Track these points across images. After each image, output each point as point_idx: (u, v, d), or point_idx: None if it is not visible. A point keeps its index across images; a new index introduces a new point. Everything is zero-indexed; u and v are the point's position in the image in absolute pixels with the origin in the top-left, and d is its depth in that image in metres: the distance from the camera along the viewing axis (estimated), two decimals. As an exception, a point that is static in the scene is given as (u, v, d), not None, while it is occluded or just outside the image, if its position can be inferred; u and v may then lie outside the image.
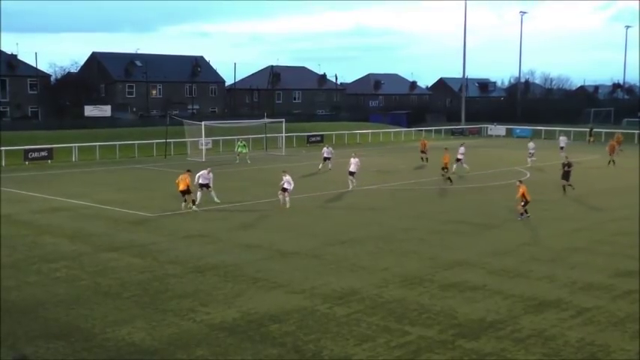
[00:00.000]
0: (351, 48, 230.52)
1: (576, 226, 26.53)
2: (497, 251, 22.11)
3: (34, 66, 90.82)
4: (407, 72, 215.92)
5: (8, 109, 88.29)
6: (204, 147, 54.26)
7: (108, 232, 25.04)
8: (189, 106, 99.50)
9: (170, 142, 56.44)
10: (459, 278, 18.77)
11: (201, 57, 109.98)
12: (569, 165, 34.70)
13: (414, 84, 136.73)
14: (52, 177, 41.04)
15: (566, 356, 13.30)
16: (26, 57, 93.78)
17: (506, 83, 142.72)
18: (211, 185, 31.04)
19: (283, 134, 61.25)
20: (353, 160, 36.03)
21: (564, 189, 34.06)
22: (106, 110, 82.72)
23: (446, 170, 38.62)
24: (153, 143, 57.21)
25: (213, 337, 14.26)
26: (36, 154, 50.41)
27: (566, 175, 34.40)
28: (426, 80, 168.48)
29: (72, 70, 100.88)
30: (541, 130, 78.57)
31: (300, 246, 22.64)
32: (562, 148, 53.53)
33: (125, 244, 22.89)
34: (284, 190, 30.38)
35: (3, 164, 47.48)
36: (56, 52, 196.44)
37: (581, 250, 22.28)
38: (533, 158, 47.80)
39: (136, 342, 13.94)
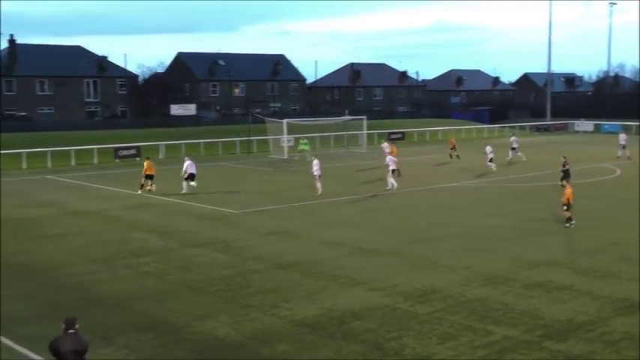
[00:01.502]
0: (432, 44, 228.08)
1: (670, 225, 25.40)
2: (584, 250, 21.47)
3: (124, 67, 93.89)
4: (489, 68, 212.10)
5: (99, 109, 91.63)
6: (285, 144, 54.84)
7: (193, 228, 25.65)
8: (271, 104, 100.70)
9: (252, 139, 57.32)
10: (544, 278, 18.32)
11: (282, 55, 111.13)
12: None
13: (496, 80, 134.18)
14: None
15: (659, 360, 12.80)
16: (116, 59, 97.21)
17: (594, 77, 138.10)
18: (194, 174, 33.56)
19: (364, 131, 61.20)
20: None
21: None
22: (190, 109, 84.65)
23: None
24: (235, 141, 58.24)
25: (295, 333, 14.40)
26: (125, 152, 52.14)
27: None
28: (509, 76, 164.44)
29: (158, 71, 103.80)
30: (632, 125, 75.65)
31: (380, 243, 22.60)
32: (623, 146, 49.98)
33: (209, 240, 23.40)
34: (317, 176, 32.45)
35: (95, 161, 49.30)
36: (144, 54, 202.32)
37: (675, 251, 21.34)
38: (492, 159, 43.54)
39: (220, 336, 14.24)
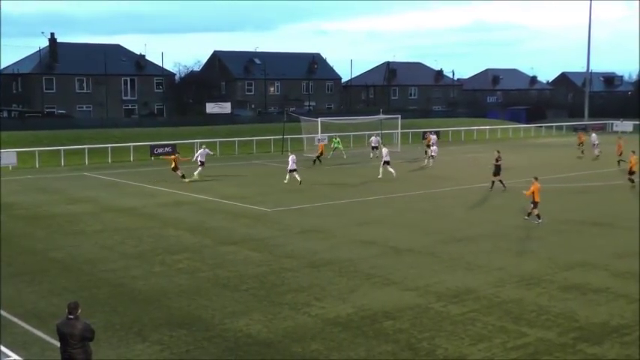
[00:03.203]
0: (469, 43, 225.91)
1: None
2: (622, 253, 21.13)
3: (161, 65, 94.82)
4: (526, 67, 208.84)
5: (137, 107, 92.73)
6: (320, 143, 54.79)
7: (227, 225, 25.83)
8: (306, 103, 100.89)
9: (287, 138, 57.44)
10: (580, 280, 18.09)
11: (318, 54, 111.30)
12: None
13: (534, 79, 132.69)
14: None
15: (698, 366, 12.55)
16: (153, 57, 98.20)
17: (635, 77, 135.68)
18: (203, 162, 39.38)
19: (399, 130, 60.98)
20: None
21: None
22: (226, 107, 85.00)
23: (321, 155, 46.76)
24: (270, 139, 58.44)
25: (327, 331, 14.43)
26: (161, 150, 52.60)
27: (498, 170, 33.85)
28: (546, 75, 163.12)
29: (195, 69, 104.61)
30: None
31: (414, 243, 22.52)
32: (595, 145, 52.18)
33: (243, 238, 23.54)
34: (291, 171, 36.00)
35: (131, 159, 49.89)
36: (181, 52, 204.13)
37: None
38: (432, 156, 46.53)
39: (252, 334, 14.32)
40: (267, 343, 13.82)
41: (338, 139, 53.42)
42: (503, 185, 33.68)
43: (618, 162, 44.35)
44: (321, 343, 13.79)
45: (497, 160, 34.00)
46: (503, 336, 14.04)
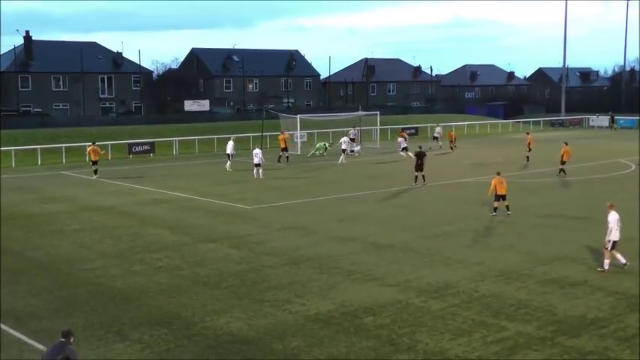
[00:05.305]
0: (447, 39, 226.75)
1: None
2: (599, 246, 21.29)
3: (138, 63, 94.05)
4: (504, 62, 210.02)
5: (114, 105, 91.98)
6: (299, 140, 54.74)
7: (207, 223, 25.73)
8: (285, 100, 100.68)
9: (266, 135, 57.21)
10: (559, 273, 18.25)
11: (297, 51, 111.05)
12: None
13: (511, 74, 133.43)
14: (154, 170, 42.49)
15: (674, 357, 12.71)
16: (130, 55, 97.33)
17: (610, 72, 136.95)
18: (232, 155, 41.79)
19: (378, 127, 61.06)
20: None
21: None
22: (204, 105, 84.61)
23: (284, 152, 46.31)
24: (249, 137, 58.22)
25: (308, 328, 14.44)
26: (139, 148, 52.25)
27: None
28: (523, 71, 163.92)
29: (172, 67, 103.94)
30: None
31: (394, 239, 22.58)
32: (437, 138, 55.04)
33: (223, 236, 23.47)
34: (257, 165, 37.61)
35: (109, 157, 49.53)
36: (158, 49, 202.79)
37: (691, 247, 21.15)
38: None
39: (233, 331, 14.29)
40: (248, 341, 13.79)
41: (324, 149, 52.39)
42: (424, 180, 34.33)
43: (527, 157, 44.34)
44: (301, 339, 13.80)
45: (417, 155, 34.47)
46: (482, 330, 14.13)
